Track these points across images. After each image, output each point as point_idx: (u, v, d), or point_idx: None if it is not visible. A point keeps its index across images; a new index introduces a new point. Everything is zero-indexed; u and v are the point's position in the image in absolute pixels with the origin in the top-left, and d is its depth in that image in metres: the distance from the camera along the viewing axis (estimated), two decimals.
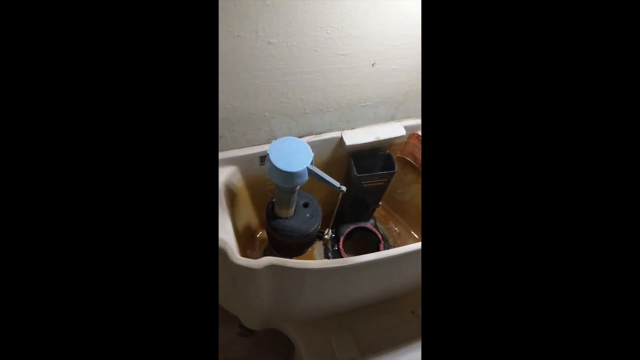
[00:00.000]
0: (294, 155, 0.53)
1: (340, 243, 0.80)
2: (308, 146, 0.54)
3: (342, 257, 0.80)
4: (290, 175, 0.52)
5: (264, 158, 0.64)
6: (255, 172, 0.65)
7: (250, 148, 0.61)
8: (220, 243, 0.51)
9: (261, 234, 0.84)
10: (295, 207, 0.64)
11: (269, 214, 0.64)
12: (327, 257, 0.82)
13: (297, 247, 0.67)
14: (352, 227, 0.82)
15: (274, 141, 0.54)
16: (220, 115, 0.60)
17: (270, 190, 0.72)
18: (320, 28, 0.53)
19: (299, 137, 0.70)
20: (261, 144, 0.65)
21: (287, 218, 0.64)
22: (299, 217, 0.64)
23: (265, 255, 0.83)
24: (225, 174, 0.61)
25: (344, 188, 0.55)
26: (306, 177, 0.53)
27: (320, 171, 0.54)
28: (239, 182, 0.64)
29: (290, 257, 0.79)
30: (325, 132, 0.71)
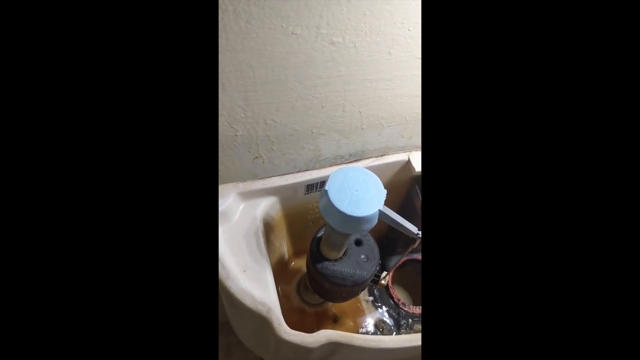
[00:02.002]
0: (361, 193, 0.40)
1: (390, 280, 0.67)
2: (378, 180, 0.41)
3: (392, 296, 0.68)
4: (356, 221, 0.39)
5: (311, 187, 0.51)
6: (297, 201, 0.52)
7: (294, 175, 0.48)
8: (261, 308, 0.39)
9: (294, 264, 0.71)
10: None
11: (314, 254, 0.51)
12: (371, 294, 0.69)
13: (347, 295, 0.54)
14: (403, 259, 0.69)
15: (332, 173, 0.41)
16: (258, 133, 0.47)
17: (312, 220, 0.59)
18: (401, 25, 0.39)
19: (349, 155, 0.57)
20: (303, 170, 0.52)
21: (335, 260, 0.51)
22: (352, 260, 0.51)
23: (299, 290, 0.71)
24: (263, 207, 0.48)
25: (420, 234, 0.42)
26: (375, 222, 0.40)
27: (394, 213, 0.41)
28: (277, 214, 0.52)
29: (333, 302, 0.66)
30: (381, 149, 0.58)
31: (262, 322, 0.39)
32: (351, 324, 0.67)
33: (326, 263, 0.51)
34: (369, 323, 0.66)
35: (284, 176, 0.47)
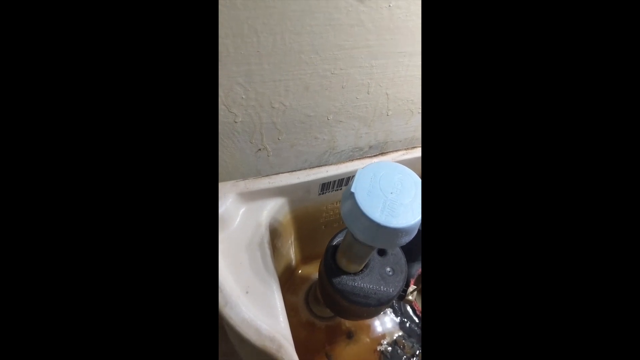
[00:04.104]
0: (398, 196, 0.31)
1: (412, 293, 0.59)
2: (417, 179, 0.32)
3: (414, 308, 0.59)
4: (391, 233, 0.30)
5: (326, 186, 0.42)
6: (310, 203, 0.44)
7: (306, 172, 0.39)
8: (270, 345, 0.30)
9: (301, 271, 0.63)
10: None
11: (329, 266, 0.43)
12: (390, 306, 0.61)
13: (368, 315, 0.46)
14: None
15: (359, 170, 0.32)
16: (262, 120, 0.38)
17: (325, 223, 0.50)
18: None
19: (370, 148, 0.48)
20: (316, 165, 0.43)
21: (355, 274, 0.43)
22: (375, 273, 0.43)
23: (308, 301, 0.63)
24: (269, 211, 0.39)
25: None
26: (414, 234, 0.32)
27: None
28: (285, 217, 0.43)
29: (350, 320, 0.58)
30: (407, 140, 0.49)
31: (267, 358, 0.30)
32: (367, 340, 0.58)
33: (344, 277, 0.42)
34: (388, 339, 0.58)
35: (294, 173, 0.38)
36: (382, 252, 0.44)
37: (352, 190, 0.30)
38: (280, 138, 0.42)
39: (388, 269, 0.43)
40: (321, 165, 0.40)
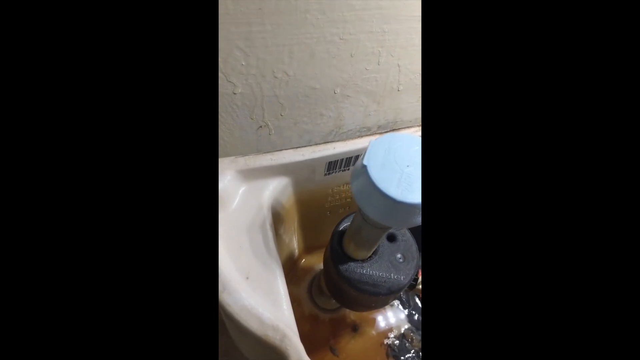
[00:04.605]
0: (415, 169, 0.28)
1: (419, 282, 0.56)
2: None
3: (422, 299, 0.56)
4: (408, 210, 0.27)
5: (333, 165, 0.39)
6: (315, 184, 0.40)
7: (312, 149, 0.36)
8: (272, 335, 0.27)
9: (304, 261, 0.60)
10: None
11: (336, 252, 0.40)
12: (397, 297, 0.58)
13: (376, 305, 0.43)
14: None
15: (372, 142, 0.29)
16: (263, 92, 0.35)
17: (330, 209, 0.47)
18: None
19: (378, 127, 0.45)
20: (321, 143, 0.40)
21: (363, 261, 0.40)
22: (384, 260, 0.40)
23: (311, 293, 0.60)
24: (272, 191, 0.36)
25: None
26: None
27: None
28: (288, 200, 0.40)
29: (357, 311, 0.55)
30: (417, 119, 0.46)
31: (274, 354, 0.27)
32: (373, 333, 0.55)
33: (352, 265, 0.39)
34: (396, 332, 0.55)
35: (299, 149, 0.35)
36: (391, 238, 0.41)
37: (365, 163, 0.27)
38: (283, 114, 0.39)
39: (399, 255, 0.40)
40: (328, 142, 0.37)
